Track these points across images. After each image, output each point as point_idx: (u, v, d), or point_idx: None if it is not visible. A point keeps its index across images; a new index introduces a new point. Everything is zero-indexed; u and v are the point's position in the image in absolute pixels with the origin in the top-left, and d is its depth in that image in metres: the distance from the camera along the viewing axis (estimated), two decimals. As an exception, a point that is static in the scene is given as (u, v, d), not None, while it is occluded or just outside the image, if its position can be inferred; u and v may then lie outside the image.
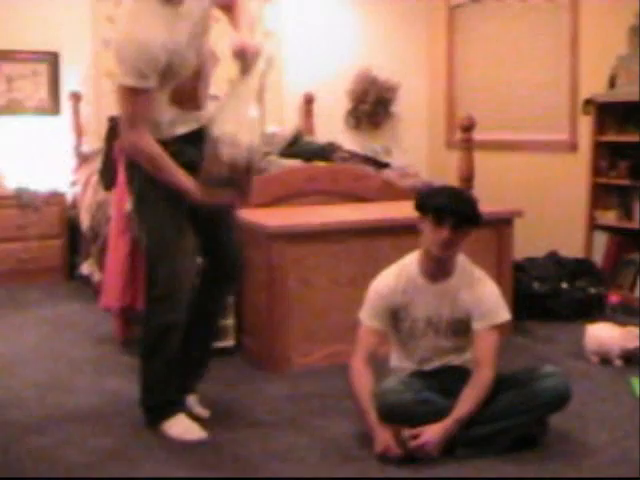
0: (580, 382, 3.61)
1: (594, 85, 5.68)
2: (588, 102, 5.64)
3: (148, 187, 3.05)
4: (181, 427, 3.11)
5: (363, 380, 3.01)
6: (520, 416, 2.91)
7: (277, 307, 3.90)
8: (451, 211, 2.93)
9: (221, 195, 3.01)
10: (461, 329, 3.06)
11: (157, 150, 2.94)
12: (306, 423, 3.26)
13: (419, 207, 3.04)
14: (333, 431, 3.17)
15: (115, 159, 4.36)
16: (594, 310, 4.89)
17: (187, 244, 3.08)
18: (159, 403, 3.17)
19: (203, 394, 3.51)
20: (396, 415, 2.91)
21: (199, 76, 3.09)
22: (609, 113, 5.53)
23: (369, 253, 3.85)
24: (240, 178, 2.94)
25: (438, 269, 3.05)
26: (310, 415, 3.34)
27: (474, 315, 3.02)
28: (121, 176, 4.30)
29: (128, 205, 4.15)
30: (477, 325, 3.02)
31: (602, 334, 4.04)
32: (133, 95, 2.87)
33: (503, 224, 4.51)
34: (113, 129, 4.44)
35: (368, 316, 3.11)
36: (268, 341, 3.88)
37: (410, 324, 3.09)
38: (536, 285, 4.92)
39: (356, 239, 3.74)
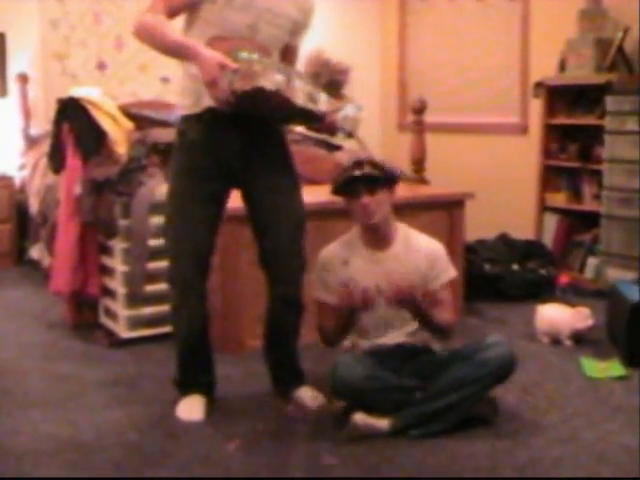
0: (531, 362, 3.66)
1: (544, 68, 5.73)
2: (538, 85, 5.67)
3: (176, 178, 3.05)
4: (184, 406, 3.16)
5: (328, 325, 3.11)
6: (468, 388, 2.94)
7: (229, 289, 3.89)
8: (359, 179, 3.01)
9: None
10: None
11: (159, 20, 2.81)
12: (260, 406, 3.25)
13: (334, 191, 3.12)
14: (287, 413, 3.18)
15: (64, 142, 4.32)
16: (544, 291, 4.94)
17: (194, 233, 3.03)
18: (178, 380, 3.24)
19: (157, 379, 3.52)
20: (347, 389, 2.97)
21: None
22: (559, 96, 5.58)
23: (321, 235, 3.80)
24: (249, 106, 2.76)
25: (377, 238, 3.13)
26: (264, 397, 3.32)
27: (428, 276, 3.10)
28: (70, 159, 4.27)
29: (77, 188, 4.13)
30: (432, 286, 3.08)
31: (552, 315, 4.09)
32: None
33: (454, 206, 4.54)
34: (62, 111, 4.38)
35: (321, 291, 3.18)
36: (220, 324, 3.83)
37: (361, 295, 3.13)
38: (487, 267, 4.96)
39: (308, 221, 3.68)
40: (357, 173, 3.01)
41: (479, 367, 2.95)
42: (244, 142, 3.02)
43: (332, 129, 3.01)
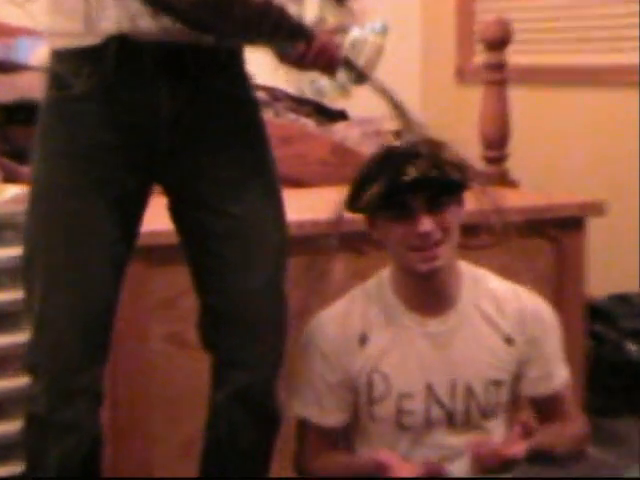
0: None
1: None
2: None
3: (48, 170, 2.93)
4: None
5: (326, 463, 3.07)
6: None
7: (127, 392, 3.84)
8: (415, 187, 2.84)
9: None
10: (500, 403, 3.03)
11: None
12: None
13: (354, 207, 3.00)
14: None
15: None
16: None
17: (84, 274, 2.88)
18: None
19: None
20: None
21: None
22: None
23: (305, 283, 3.62)
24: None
25: (430, 293, 3.00)
26: None
27: (528, 373, 3.05)
28: None
29: None
30: (538, 389, 3.08)
31: None
32: None
33: (566, 230, 4.61)
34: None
35: (305, 401, 3.07)
36: (109, 461, 3.63)
37: (395, 406, 3.00)
38: (632, 347, 4.97)
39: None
40: (410, 176, 2.80)
41: None
42: (181, 102, 2.89)
43: (329, 60, 2.85)
